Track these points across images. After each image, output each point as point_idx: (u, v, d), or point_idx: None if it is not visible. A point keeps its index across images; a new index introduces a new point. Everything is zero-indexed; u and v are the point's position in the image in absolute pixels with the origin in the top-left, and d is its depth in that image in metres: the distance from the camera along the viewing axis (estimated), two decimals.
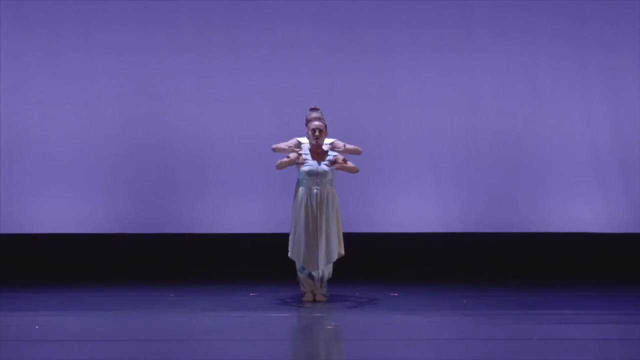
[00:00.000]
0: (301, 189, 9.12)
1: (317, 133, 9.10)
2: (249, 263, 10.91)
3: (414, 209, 10.96)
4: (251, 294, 9.61)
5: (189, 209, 10.93)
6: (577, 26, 11.13)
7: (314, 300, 9.11)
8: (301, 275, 9.17)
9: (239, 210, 10.89)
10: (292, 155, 9.14)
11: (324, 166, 9.11)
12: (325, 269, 9.13)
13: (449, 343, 7.31)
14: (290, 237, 9.14)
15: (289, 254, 9.12)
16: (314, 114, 9.27)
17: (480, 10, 11.11)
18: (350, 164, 9.21)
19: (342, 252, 9.18)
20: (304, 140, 9.32)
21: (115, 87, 10.97)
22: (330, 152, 9.18)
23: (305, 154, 9.16)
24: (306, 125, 9.30)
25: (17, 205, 10.87)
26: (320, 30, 11.05)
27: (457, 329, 7.92)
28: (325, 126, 9.18)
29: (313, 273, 9.09)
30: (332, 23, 11.05)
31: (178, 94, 11.00)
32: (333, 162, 9.12)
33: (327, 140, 9.27)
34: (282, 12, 11.03)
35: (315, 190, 9.07)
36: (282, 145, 9.27)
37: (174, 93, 11.00)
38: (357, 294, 9.71)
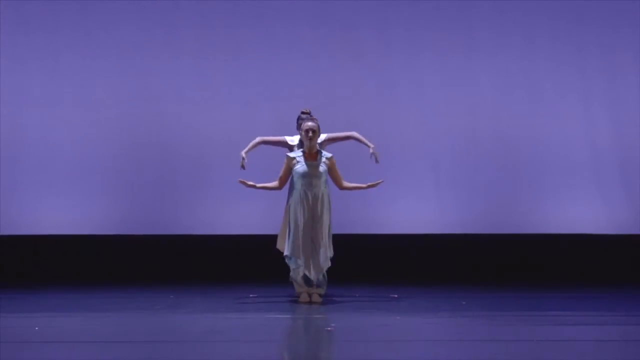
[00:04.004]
0: (295, 191, 9.11)
1: (310, 134, 9.09)
2: (249, 264, 10.91)
3: (413, 210, 10.96)
4: (251, 295, 9.62)
5: (188, 211, 10.94)
6: (577, 27, 11.14)
7: (310, 302, 9.10)
8: (295, 277, 9.16)
9: (238, 212, 10.89)
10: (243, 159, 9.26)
11: (318, 168, 9.10)
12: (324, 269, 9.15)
13: (448, 344, 7.31)
14: (288, 238, 9.14)
15: (287, 253, 9.14)
16: (305, 117, 9.32)
17: (480, 11, 11.12)
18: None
19: (332, 253, 9.20)
20: (292, 140, 9.37)
21: (115, 88, 10.98)
22: (324, 153, 9.18)
23: (299, 156, 9.15)
24: (298, 128, 9.32)
25: (17, 206, 10.87)
26: (320, 31, 11.06)
27: (456, 330, 7.92)
28: (318, 127, 9.16)
29: (309, 275, 9.09)
30: (332, 25, 11.06)
31: (178, 95, 11.01)
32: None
33: (321, 137, 9.29)
34: (282, 14, 11.04)
35: (310, 193, 9.06)
36: (252, 143, 9.44)
37: (174, 94, 11.01)
38: (357, 295, 9.72)
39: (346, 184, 9.32)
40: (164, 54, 11.01)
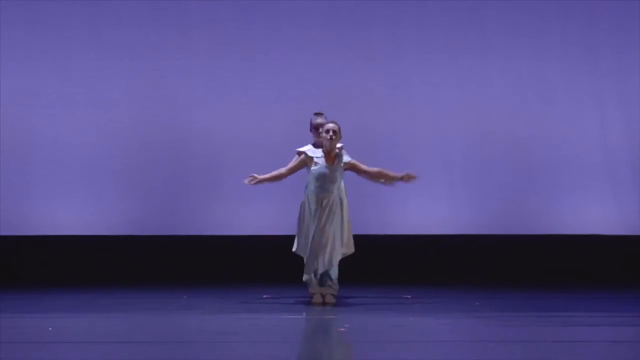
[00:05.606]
0: (309, 191, 9.07)
1: (331, 134, 9.02)
2: (262, 265, 10.91)
3: (426, 211, 10.96)
4: (264, 296, 9.62)
5: (200, 211, 10.95)
6: (589, 28, 11.12)
7: (324, 303, 9.09)
8: (309, 277, 9.14)
9: (251, 213, 10.90)
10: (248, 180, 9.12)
11: (335, 172, 9.04)
12: (328, 269, 9.09)
13: (461, 345, 7.30)
14: (297, 236, 9.16)
15: (294, 249, 9.15)
16: (319, 119, 9.25)
17: (492, 12, 11.11)
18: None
19: (352, 249, 9.17)
20: (307, 149, 9.25)
21: (127, 89, 11.00)
22: (343, 157, 9.11)
23: (318, 157, 9.09)
24: (311, 130, 9.25)
25: (29, 207, 10.89)
26: (332, 32, 11.06)
27: (469, 331, 7.91)
28: (339, 129, 9.11)
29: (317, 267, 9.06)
30: (344, 26, 11.06)
31: (190, 96, 11.02)
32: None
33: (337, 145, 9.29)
34: (294, 15, 11.05)
35: (321, 196, 9.02)
36: (273, 174, 9.29)
37: (186, 95, 11.02)
38: (369, 296, 9.72)
39: (378, 171, 9.16)
40: (176, 54, 11.02)
